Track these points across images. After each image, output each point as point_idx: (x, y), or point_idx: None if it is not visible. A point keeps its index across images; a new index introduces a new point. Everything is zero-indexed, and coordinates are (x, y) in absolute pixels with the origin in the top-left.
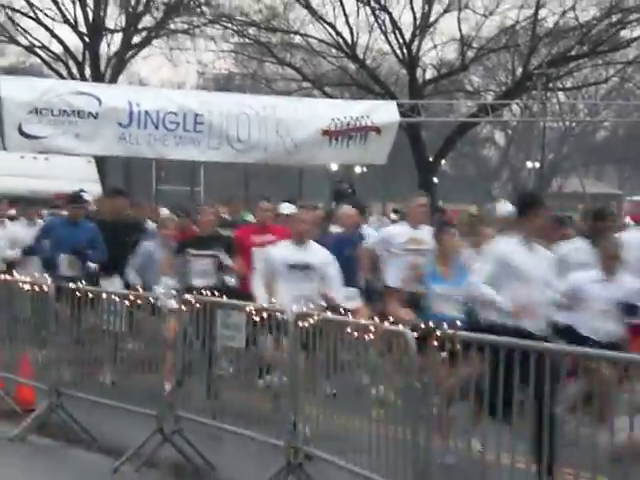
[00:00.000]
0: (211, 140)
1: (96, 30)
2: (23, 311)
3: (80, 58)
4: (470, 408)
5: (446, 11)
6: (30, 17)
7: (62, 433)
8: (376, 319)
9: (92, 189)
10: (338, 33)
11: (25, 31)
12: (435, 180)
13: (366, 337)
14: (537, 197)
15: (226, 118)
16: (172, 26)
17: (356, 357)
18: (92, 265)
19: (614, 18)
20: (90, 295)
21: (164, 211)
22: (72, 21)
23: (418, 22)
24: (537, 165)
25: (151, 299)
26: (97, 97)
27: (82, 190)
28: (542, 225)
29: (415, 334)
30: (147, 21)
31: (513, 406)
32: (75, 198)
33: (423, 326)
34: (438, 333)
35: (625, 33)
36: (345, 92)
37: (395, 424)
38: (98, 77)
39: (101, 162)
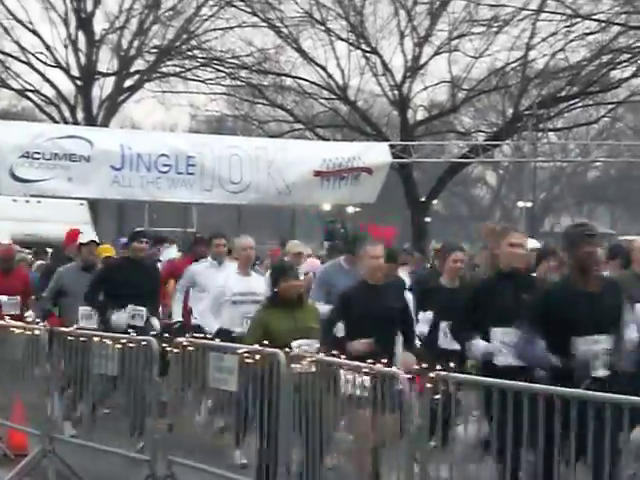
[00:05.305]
0: (204, 182)
1: (88, 74)
2: (14, 354)
3: (72, 102)
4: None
5: (437, 53)
6: (22, 61)
7: (55, 478)
8: None
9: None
10: (329, 75)
11: (17, 75)
12: (427, 220)
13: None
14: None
15: (218, 160)
16: (164, 69)
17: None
18: None
19: (604, 59)
20: (82, 339)
21: None
22: (64, 65)
23: (409, 64)
24: (529, 205)
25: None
26: (89, 140)
27: None
28: None
29: (409, 375)
30: (139, 64)
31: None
32: None
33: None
34: (432, 375)
35: (615, 73)
36: (337, 133)
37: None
38: (91, 120)
39: (94, 204)
